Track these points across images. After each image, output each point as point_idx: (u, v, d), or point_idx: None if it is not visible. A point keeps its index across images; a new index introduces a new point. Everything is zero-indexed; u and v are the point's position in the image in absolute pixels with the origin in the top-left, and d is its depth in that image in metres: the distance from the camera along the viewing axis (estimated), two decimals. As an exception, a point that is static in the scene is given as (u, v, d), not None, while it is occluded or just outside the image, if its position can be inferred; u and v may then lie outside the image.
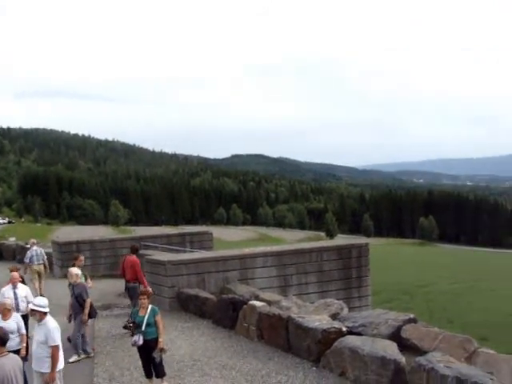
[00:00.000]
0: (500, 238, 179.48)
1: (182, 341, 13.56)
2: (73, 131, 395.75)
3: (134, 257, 15.75)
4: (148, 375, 10.23)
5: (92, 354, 12.63)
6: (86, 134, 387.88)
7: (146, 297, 10.21)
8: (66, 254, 24.74)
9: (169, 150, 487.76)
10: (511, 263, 76.86)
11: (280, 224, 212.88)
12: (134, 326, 10.04)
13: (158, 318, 10.06)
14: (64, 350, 9.24)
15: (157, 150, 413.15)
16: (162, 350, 9.98)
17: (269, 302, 14.52)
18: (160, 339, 9.93)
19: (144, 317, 9.95)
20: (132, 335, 10.14)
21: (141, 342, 9.85)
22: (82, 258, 14.86)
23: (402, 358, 9.36)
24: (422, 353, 9.58)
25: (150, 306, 10.14)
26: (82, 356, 12.50)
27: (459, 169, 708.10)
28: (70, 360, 11.99)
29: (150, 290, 14.44)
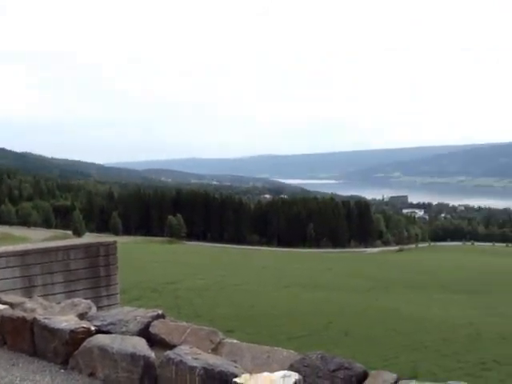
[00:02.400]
0: (244, 234, 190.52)
1: None
2: None
3: None
4: None
5: None
6: None
7: None
8: None
9: None
10: (251, 258, 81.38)
11: (24, 222, 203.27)
12: None
13: None
14: None
15: None
16: None
17: (11, 305, 13.83)
18: None
19: None
20: None
21: None
22: None
23: (151, 354, 9.42)
24: (171, 347, 9.71)
25: None
26: None
27: (206, 168, 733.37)
28: None
29: None
